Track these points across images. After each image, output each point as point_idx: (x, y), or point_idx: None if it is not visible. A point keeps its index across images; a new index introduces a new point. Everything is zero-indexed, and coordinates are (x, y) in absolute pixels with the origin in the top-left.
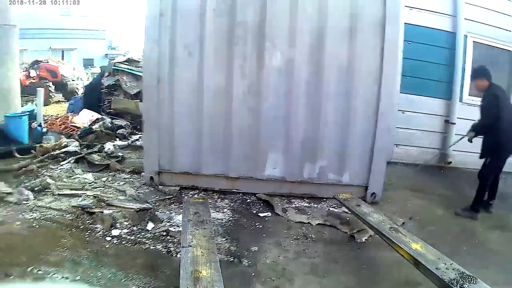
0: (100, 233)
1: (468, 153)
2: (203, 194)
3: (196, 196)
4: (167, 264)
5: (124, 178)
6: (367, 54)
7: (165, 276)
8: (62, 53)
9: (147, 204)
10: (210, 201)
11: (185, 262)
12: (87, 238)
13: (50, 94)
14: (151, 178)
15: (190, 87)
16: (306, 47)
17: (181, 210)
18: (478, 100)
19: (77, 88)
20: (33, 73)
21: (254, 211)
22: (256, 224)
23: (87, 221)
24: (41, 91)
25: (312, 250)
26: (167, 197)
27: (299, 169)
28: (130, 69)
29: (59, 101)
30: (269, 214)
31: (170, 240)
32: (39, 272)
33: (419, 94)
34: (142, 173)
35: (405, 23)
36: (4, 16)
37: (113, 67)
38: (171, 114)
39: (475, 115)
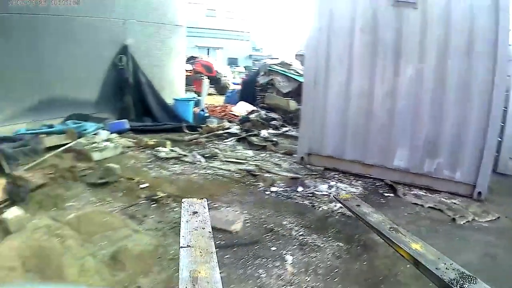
0: (261, 188)
1: None
2: (342, 175)
3: (336, 176)
4: (311, 212)
5: (279, 156)
6: (481, 70)
7: (309, 219)
8: (207, 51)
9: (298, 175)
10: (347, 180)
11: (183, 262)
12: (251, 191)
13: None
14: (302, 158)
15: (340, 88)
16: (432, 61)
17: (325, 182)
18: None
19: (228, 84)
20: (188, 67)
21: (381, 191)
22: (381, 199)
23: (251, 180)
24: (205, 82)
25: (420, 222)
26: (313, 173)
27: (421, 163)
28: (283, 71)
29: (211, 93)
30: (392, 195)
31: (314, 200)
32: (215, 205)
33: None
34: (294, 155)
35: None
36: (174, 17)
37: (268, 68)
38: (324, 109)
39: None
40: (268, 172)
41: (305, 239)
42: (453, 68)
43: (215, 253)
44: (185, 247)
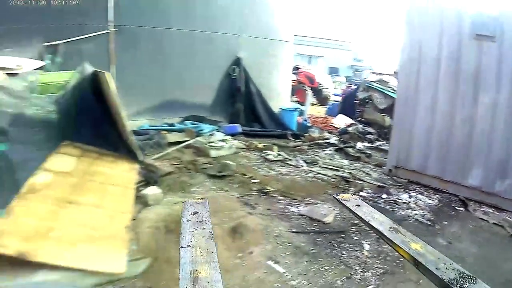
0: (352, 193)
1: None
2: (423, 188)
3: (417, 188)
4: (390, 215)
5: (370, 167)
6: None
7: (387, 220)
8: (308, 59)
9: (385, 184)
10: (426, 193)
11: (184, 262)
12: (344, 193)
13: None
14: (390, 170)
15: (426, 111)
16: (506, 90)
17: (407, 192)
18: None
19: (329, 95)
20: (292, 76)
21: (453, 205)
22: (452, 212)
23: (345, 185)
24: (309, 94)
25: (480, 234)
26: (398, 184)
27: (492, 183)
28: (381, 88)
29: (313, 103)
30: (462, 209)
31: (395, 205)
32: (313, 202)
33: None
34: (383, 166)
35: None
36: (282, 34)
37: (367, 85)
38: (411, 127)
39: None
40: (359, 179)
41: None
42: None
43: (216, 253)
44: (185, 247)
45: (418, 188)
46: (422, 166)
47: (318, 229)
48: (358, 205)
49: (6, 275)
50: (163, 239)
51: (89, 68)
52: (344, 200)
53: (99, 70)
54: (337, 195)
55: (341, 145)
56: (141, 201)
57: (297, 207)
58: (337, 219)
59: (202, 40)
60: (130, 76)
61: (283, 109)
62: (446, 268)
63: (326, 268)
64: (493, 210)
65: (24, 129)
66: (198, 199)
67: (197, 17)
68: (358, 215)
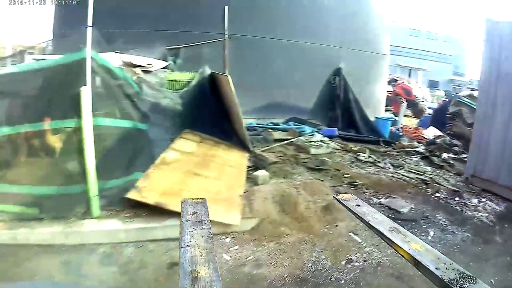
0: (429, 193)
1: None
2: (493, 196)
3: (489, 196)
4: (458, 214)
5: (450, 175)
6: None
7: (455, 217)
8: (409, 72)
9: (459, 190)
10: (495, 200)
11: (183, 262)
12: (421, 193)
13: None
14: (466, 178)
15: (501, 126)
16: None
17: (477, 198)
18: None
19: (424, 108)
20: (389, 88)
21: None
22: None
23: (423, 186)
24: (403, 106)
25: None
26: (471, 191)
27: None
28: (470, 103)
29: (407, 115)
30: None
31: (464, 207)
32: (394, 197)
33: None
34: (462, 175)
35: None
36: (380, 47)
37: (457, 99)
38: (487, 140)
39: None
40: (437, 183)
41: (447, 227)
42: None
43: (215, 253)
44: (184, 247)
45: (489, 196)
46: (495, 176)
47: (394, 216)
48: (358, 205)
49: (143, 220)
50: (269, 207)
51: (208, 70)
52: (344, 200)
53: (219, 73)
54: (337, 195)
55: (427, 154)
56: (252, 181)
57: (379, 198)
58: (411, 211)
59: (306, 50)
60: (240, 79)
61: (377, 118)
62: (446, 268)
63: None
64: None
65: (159, 115)
66: (197, 199)
67: (302, 30)
68: (358, 215)
